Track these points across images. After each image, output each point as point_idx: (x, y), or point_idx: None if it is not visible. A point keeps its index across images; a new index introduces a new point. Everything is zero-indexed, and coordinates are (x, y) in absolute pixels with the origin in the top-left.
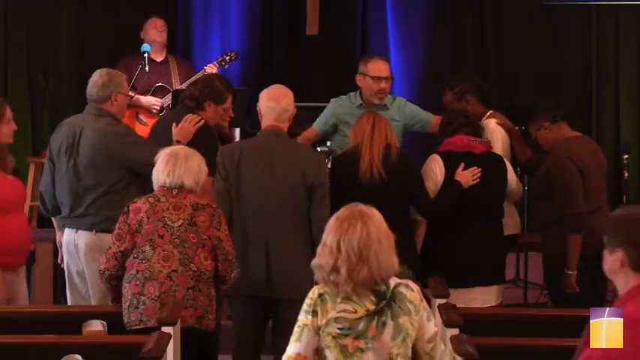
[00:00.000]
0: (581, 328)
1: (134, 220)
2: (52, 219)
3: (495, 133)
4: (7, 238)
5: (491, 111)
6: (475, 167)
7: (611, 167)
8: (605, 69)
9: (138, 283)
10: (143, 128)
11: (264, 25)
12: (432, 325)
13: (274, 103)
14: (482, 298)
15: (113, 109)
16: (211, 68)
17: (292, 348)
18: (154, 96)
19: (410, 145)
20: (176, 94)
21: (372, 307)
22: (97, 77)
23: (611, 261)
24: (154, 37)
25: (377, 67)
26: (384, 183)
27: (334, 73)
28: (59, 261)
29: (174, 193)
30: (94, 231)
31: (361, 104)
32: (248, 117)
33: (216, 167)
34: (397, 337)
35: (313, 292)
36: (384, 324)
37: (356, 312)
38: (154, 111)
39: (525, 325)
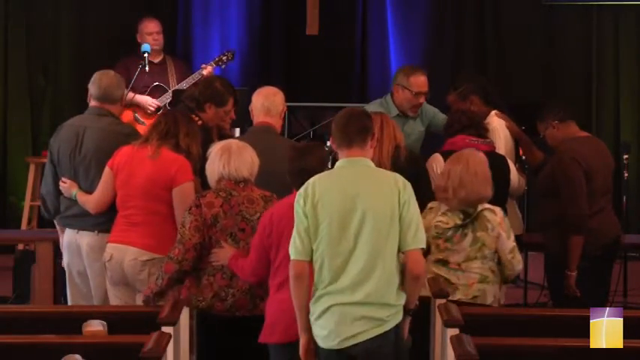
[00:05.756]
0: (581, 328)
1: (209, 214)
2: (55, 222)
3: (497, 131)
4: None
5: (495, 110)
6: None
7: None
8: (605, 69)
9: (224, 276)
10: (141, 127)
11: (264, 25)
12: (511, 241)
13: (263, 99)
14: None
15: (117, 110)
16: (205, 68)
17: None
18: (151, 96)
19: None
20: (177, 93)
21: (459, 222)
22: (109, 78)
23: None
24: (151, 45)
25: (419, 82)
26: None
27: (334, 73)
28: (63, 264)
29: (241, 186)
30: (96, 231)
31: (398, 114)
32: (248, 117)
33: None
34: (474, 245)
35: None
36: (465, 234)
37: (447, 223)
38: (150, 111)
39: (525, 325)
